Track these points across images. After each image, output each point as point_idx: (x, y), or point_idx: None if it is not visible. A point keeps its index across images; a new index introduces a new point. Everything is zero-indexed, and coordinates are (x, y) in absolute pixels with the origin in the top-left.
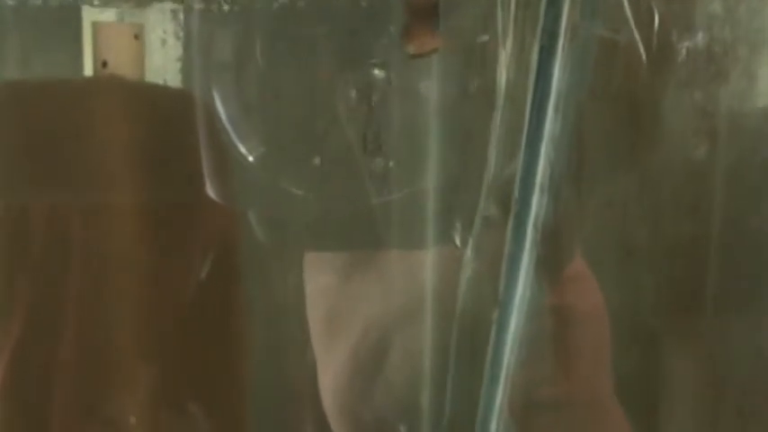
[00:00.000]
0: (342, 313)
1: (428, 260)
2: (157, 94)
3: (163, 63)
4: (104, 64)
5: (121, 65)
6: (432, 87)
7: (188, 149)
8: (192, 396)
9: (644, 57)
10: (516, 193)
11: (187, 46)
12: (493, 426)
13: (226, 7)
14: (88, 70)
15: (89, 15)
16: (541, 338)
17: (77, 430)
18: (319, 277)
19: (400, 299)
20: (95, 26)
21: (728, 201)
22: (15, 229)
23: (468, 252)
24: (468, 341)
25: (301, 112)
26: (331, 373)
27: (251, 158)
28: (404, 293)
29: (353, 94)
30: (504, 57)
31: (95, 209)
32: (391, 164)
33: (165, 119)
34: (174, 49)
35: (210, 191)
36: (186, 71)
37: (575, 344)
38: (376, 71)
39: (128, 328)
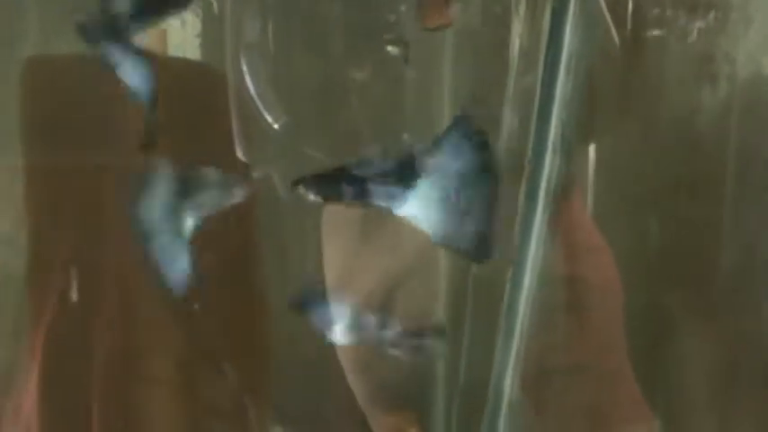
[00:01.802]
0: (355, 267)
1: None
2: (181, 68)
3: (182, 40)
4: None
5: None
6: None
7: (209, 120)
8: (222, 353)
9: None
10: (530, 154)
11: (206, 23)
12: (507, 384)
13: None
14: None
15: None
16: (557, 307)
17: (117, 388)
18: (335, 234)
19: (407, 253)
20: None
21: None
22: (50, 191)
23: None
24: (483, 301)
25: (318, 86)
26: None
27: (276, 126)
28: (410, 249)
29: (367, 68)
30: (517, 22)
31: (124, 173)
32: (405, 136)
33: (188, 91)
34: (193, 26)
35: (238, 152)
36: (205, 47)
37: (588, 314)
38: (389, 48)
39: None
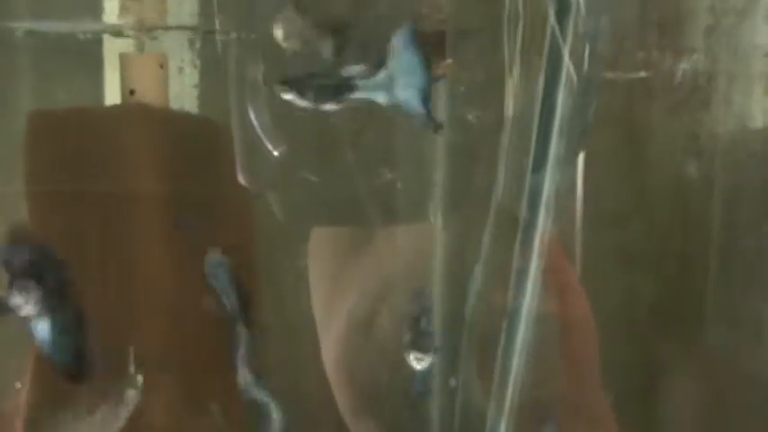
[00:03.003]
0: (340, 284)
1: (413, 237)
2: (182, 121)
3: (180, 90)
4: (132, 92)
5: (148, 93)
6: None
7: (209, 169)
8: (212, 396)
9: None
10: (524, 211)
11: (204, 73)
12: (502, 427)
13: (234, 35)
14: (109, 98)
15: (110, 45)
16: (538, 344)
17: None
18: (323, 251)
19: (386, 273)
20: (123, 57)
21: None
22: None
23: (476, 269)
24: (476, 348)
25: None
26: (330, 338)
27: (275, 153)
28: (390, 268)
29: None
30: (512, 84)
31: (123, 224)
32: (399, 185)
33: (188, 143)
34: (191, 76)
35: (240, 178)
36: (203, 97)
37: (564, 350)
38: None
39: (149, 335)
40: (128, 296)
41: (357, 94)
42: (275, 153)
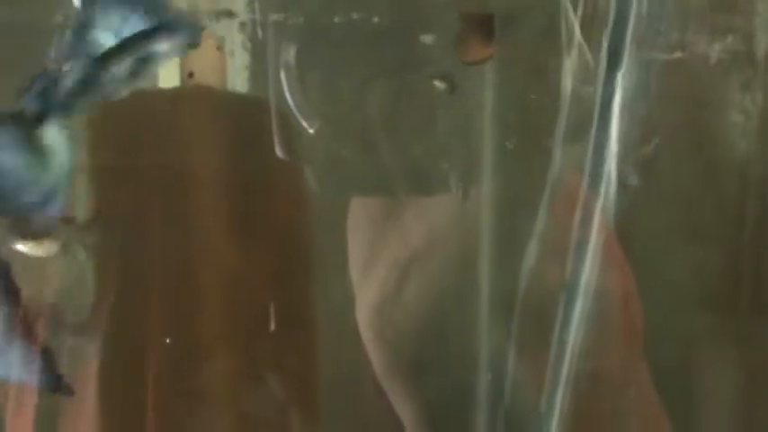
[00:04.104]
0: (372, 259)
1: (443, 209)
2: (238, 101)
3: (232, 71)
4: (191, 74)
5: (206, 74)
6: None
7: (262, 144)
8: (269, 366)
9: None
10: (585, 185)
11: (254, 55)
12: (558, 401)
13: (271, 19)
14: (163, 80)
15: None
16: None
17: (168, 403)
18: (356, 231)
19: (413, 243)
20: None
21: None
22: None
23: (530, 244)
24: (532, 322)
25: (349, 105)
26: (364, 302)
27: (311, 131)
28: (416, 239)
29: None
30: (570, 64)
31: (181, 205)
32: (446, 166)
33: (245, 122)
34: (242, 58)
35: (278, 151)
36: (253, 79)
37: (609, 325)
38: (436, 82)
39: (210, 308)
40: (186, 268)
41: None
42: (310, 130)
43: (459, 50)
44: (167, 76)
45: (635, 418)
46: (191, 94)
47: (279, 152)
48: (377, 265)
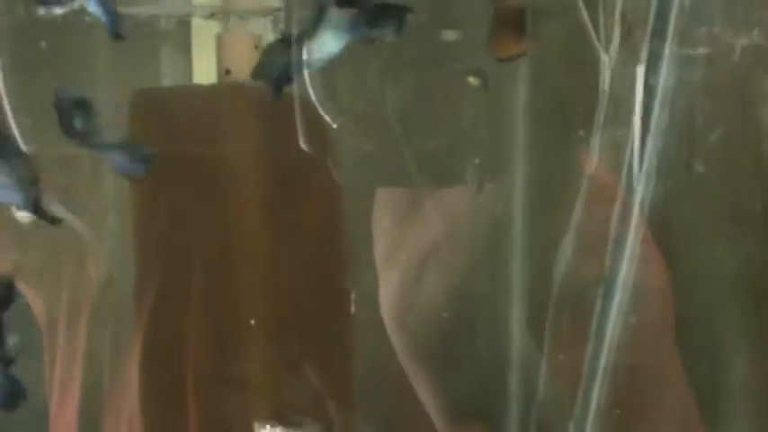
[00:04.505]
0: (395, 245)
1: (461, 200)
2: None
3: None
4: (228, 72)
5: (242, 72)
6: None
7: (296, 142)
8: (306, 357)
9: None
10: (623, 180)
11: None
12: (595, 395)
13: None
14: (198, 76)
15: (198, 27)
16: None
17: (208, 392)
18: (381, 218)
19: (434, 230)
20: (219, 37)
21: None
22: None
23: (566, 238)
24: (567, 317)
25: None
26: (386, 289)
27: (335, 126)
28: (436, 226)
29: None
30: (609, 60)
31: (220, 197)
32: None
33: (281, 119)
34: None
35: (301, 144)
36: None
37: (641, 318)
38: (470, 78)
39: (249, 296)
40: (225, 257)
41: None
42: (334, 125)
43: (492, 47)
44: (203, 72)
45: (669, 412)
46: (228, 91)
47: (303, 145)
48: (398, 254)
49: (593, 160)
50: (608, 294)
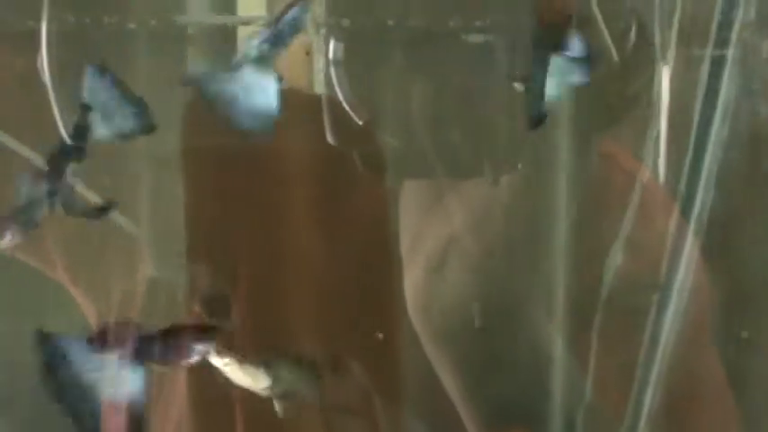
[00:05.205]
0: (418, 234)
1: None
2: (321, 103)
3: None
4: (280, 78)
5: (295, 78)
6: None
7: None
8: (352, 354)
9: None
10: (682, 189)
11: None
12: (647, 399)
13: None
14: None
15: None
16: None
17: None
18: (407, 208)
19: (455, 221)
20: None
21: None
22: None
23: (615, 245)
24: (615, 324)
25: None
26: (411, 279)
27: (360, 122)
28: (458, 217)
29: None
30: (666, 68)
31: (273, 196)
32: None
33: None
34: (319, 61)
35: (329, 138)
36: (329, 82)
37: (689, 321)
38: (516, 84)
39: (295, 296)
40: (276, 260)
41: None
42: (360, 122)
43: (539, 10)
44: None
45: (711, 413)
46: (283, 96)
47: (330, 139)
48: (422, 241)
49: (642, 165)
50: (663, 301)
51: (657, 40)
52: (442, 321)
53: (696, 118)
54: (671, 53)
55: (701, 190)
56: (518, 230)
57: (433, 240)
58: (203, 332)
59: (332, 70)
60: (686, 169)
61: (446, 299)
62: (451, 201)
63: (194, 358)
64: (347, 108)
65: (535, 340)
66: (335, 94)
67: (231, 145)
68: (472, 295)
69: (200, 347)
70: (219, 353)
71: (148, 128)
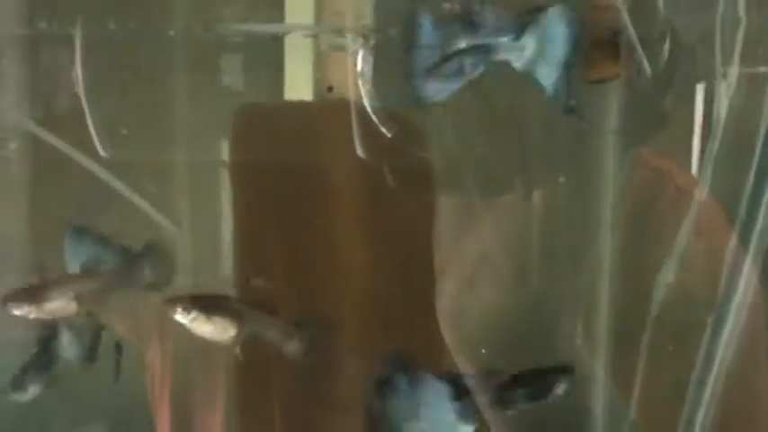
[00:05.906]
0: (450, 251)
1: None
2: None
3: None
4: (330, 89)
5: (344, 88)
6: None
7: (395, 152)
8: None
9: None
10: (743, 208)
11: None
12: (699, 420)
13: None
14: (291, 92)
15: (292, 44)
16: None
17: (297, 412)
18: (442, 225)
19: (483, 240)
20: (322, 55)
21: None
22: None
23: (667, 262)
24: (666, 343)
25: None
26: (442, 295)
27: (389, 135)
28: (487, 236)
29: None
30: (726, 87)
31: (322, 208)
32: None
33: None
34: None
35: (358, 151)
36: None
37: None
38: None
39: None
40: (325, 274)
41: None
42: (389, 135)
43: (585, 69)
44: (296, 89)
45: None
46: (334, 107)
47: (360, 153)
48: (454, 259)
49: (697, 182)
50: (720, 320)
51: (718, 55)
52: (473, 341)
53: (761, 138)
54: (733, 69)
55: (764, 207)
56: (555, 245)
57: (460, 260)
58: None
59: (360, 82)
60: (748, 189)
61: (475, 319)
62: (486, 218)
63: None
64: (377, 121)
65: (571, 355)
66: (372, 106)
67: (277, 156)
68: (502, 309)
69: None
70: (185, 309)
71: None
